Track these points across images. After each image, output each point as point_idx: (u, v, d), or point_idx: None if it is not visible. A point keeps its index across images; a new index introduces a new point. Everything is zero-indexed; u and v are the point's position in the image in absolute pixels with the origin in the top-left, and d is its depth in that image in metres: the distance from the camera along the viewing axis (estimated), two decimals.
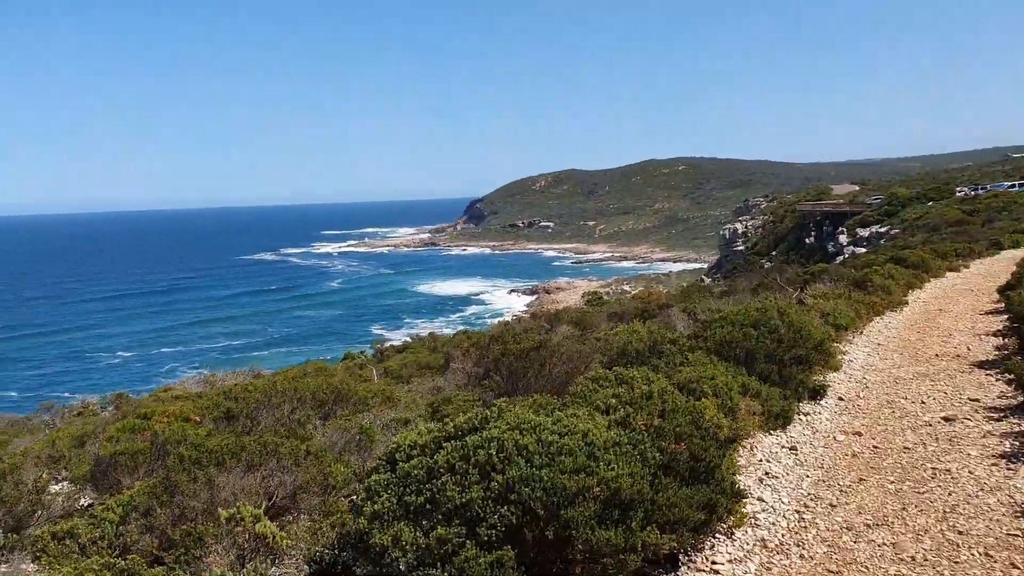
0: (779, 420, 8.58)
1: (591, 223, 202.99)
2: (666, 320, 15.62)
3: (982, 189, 68.46)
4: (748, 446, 7.97)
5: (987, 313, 17.08)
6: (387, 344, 29.40)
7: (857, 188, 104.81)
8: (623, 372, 7.29)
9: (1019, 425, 8.57)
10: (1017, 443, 7.91)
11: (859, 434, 8.66)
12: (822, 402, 10.00)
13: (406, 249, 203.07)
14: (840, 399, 10.40)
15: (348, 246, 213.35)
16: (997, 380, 10.95)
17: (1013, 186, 66.48)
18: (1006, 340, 12.80)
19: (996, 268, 26.65)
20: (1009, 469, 7.20)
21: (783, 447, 8.19)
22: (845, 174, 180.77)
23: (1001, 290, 17.92)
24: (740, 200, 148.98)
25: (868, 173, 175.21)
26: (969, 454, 7.73)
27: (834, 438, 8.56)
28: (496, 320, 76.75)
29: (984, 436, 8.30)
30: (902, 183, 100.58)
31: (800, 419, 9.16)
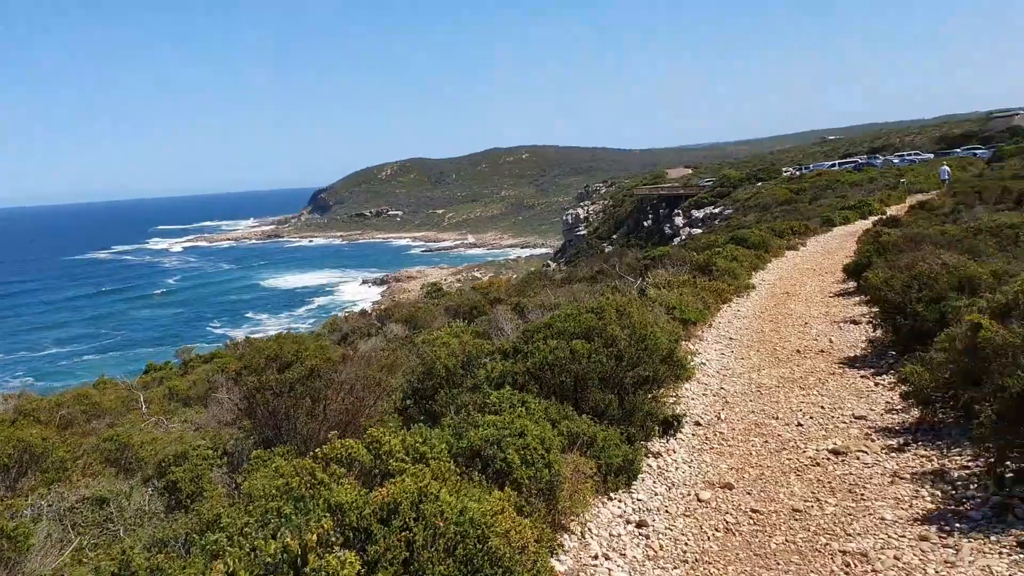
0: (621, 476, 5.97)
1: (440, 211, 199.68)
2: (493, 320, 12.95)
3: (806, 169, 70.38)
4: (578, 531, 5.27)
5: (837, 295, 15.42)
6: (194, 353, 25.53)
7: (690, 171, 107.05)
8: (378, 438, 4.40)
9: (929, 460, 6.32)
10: (939, 494, 5.62)
11: (729, 487, 6.17)
12: (677, 435, 7.48)
13: (249, 242, 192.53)
14: (698, 424, 7.96)
15: (186, 241, 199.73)
16: (876, 385, 8.88)
17: (833, 165, 68.72)
18: (875, 331, 10.85)
19: (831, 245, 25.72)
20: (946, 546, 4.83)
21: (627, 522, 5.56)
22: (679, 159, 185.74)
23: (847, 269, 16.43)
24: (582, 186, 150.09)
25: (700, 157, 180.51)
26: (883, 518, 5.35)
27: (697, 497, 6.02)
28: (343, 313, 72.92)
29: (892, 482, 5.99)
30: (732, 165, 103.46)
31: (650, 468, 6.60)
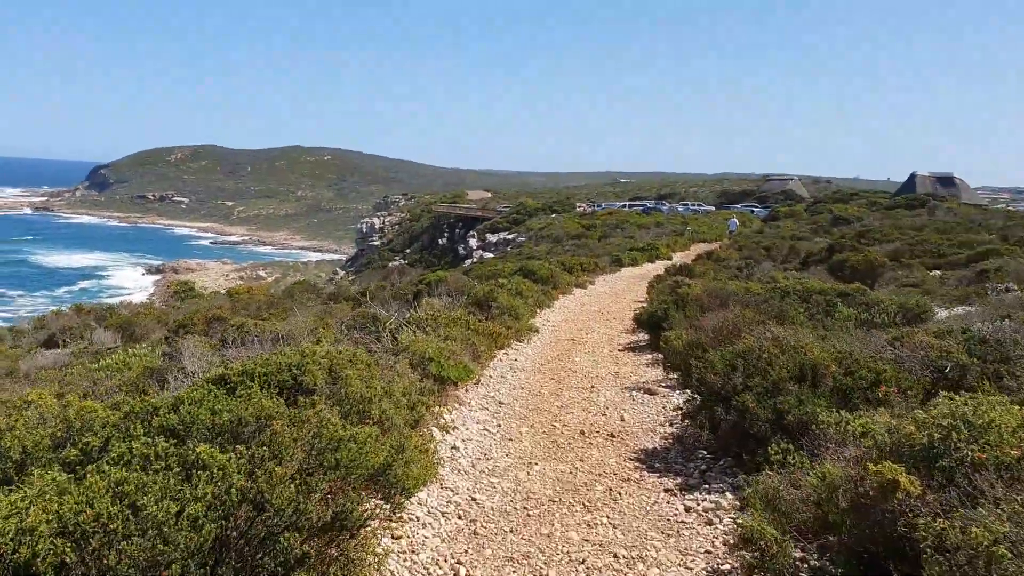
0: None
1: (230, 203, 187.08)
2: (181, 350, 9.07)
3: (599, 206, 70.78)
4: None
5: (626, 348, 12.96)
6: None
7: (490, 195, 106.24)
8: None
9: None
10: None
11: None
12: None
13: (13, 213, 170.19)
14: None
15: None
16: (688, 510, 6.05)
17: (624, 205, 69.57)
18: (682, 419, 8.16)
19: (619, 286, 23.91)
20: None
21: None
22: (481, 181, 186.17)
23: (638, 319, 14.13)
24: (382, 196, 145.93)
25: (501, 183, 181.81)
26: None
27: None
28: (115, 299, 64.87)
29: None
30: (530, 194, 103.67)
31: None
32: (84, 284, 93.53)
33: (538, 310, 16.32)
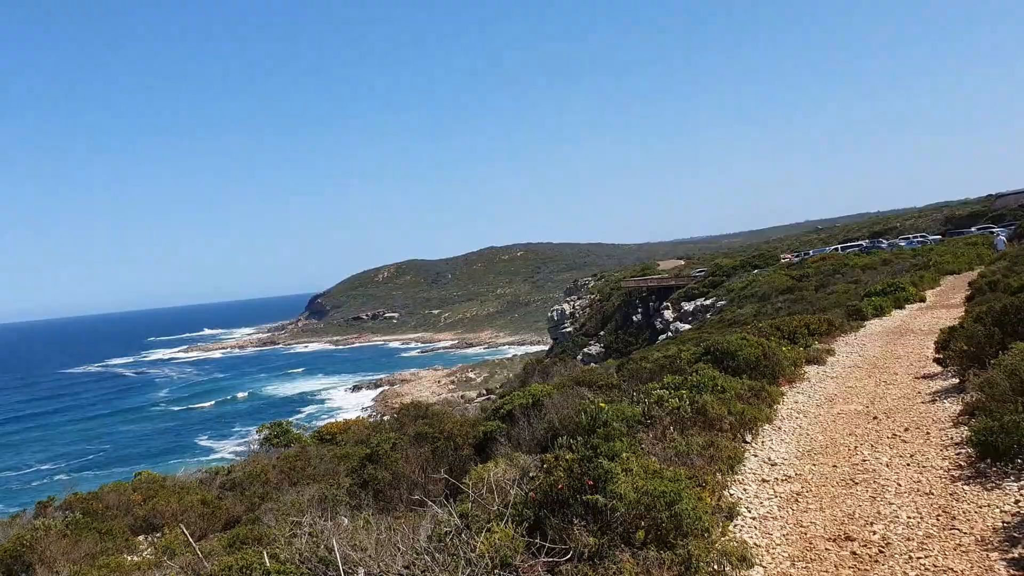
0: None
1: (436, 311, 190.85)
2: None
3: (806, 254, 61.31)
4: None
5: (975, 510, 5.85)
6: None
7: (683, 262, 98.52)
8: None
9: None
10: None
11: None
12: None
13: (243, 351, 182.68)
14: None
15: (181, 351, 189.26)
16: None
17: (836, 248, 59.75)
18: None
19: (873, 351, 16.06)
20: None
21: None
22: (673, 252, 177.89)
23: (978, 440, 6.88)
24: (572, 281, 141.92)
25: (694, 250, 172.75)
26: None
27: None
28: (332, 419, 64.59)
29: None
30: (725, 255, 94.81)
31: None
32: (309, 409, 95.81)
33: (746, 436, 8.93)
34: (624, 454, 5.12)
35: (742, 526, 6.23)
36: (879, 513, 6.17)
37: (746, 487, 7.28)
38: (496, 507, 4.90)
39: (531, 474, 6.26)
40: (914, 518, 5.97)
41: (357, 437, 18.75)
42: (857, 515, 6.21)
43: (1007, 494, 6.03)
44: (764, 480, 7.48)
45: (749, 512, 6.53)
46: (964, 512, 5.89)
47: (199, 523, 12.32)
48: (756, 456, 8.39)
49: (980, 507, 5.93)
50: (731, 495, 6.96)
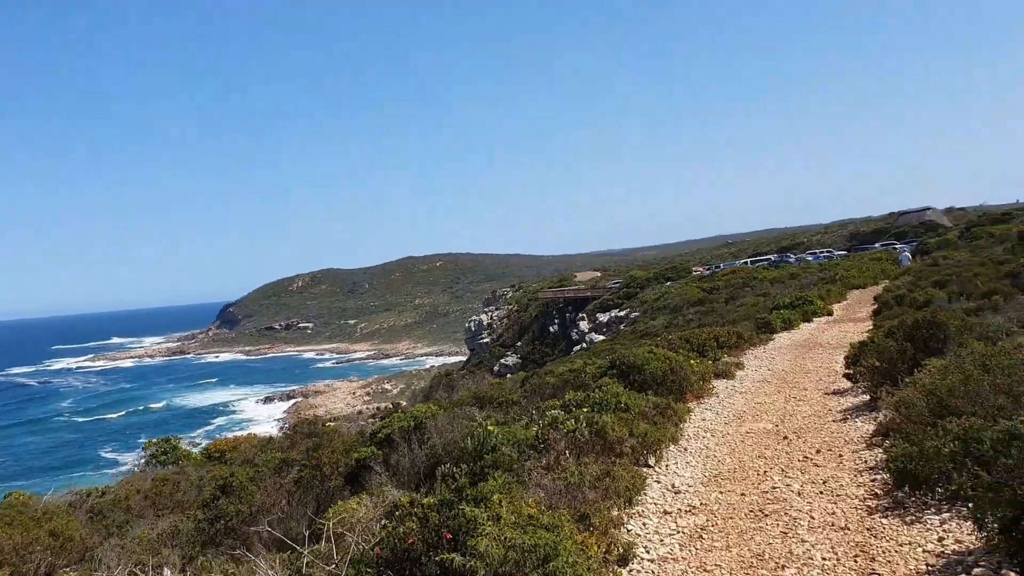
0: None
1: (352, 321, 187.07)
2: None
3: (717, 267, 62.19)
4: None
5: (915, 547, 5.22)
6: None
7: (599, 274, 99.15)
8: None
9: None
10: None
11: None
12: None
13: (152, 360, 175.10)
14: None
15: (87, 360, 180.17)
16: None
17: (746, 262, 60.79)
18: None
19: (782, 364, 15.74)
20: None
21: None
22: (591, 263, 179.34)
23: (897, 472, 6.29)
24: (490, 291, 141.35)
25: (609, 261, 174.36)
26: None
27: None
28: (243, 432, 61.96)
29: None
30: (640, 267, 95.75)
31: None
32: (219, 421, 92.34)
33: (648, 460, 8.07)
34: (496, 495, 4.21)
35: (638, 571, 5.38)
36: (791, 553, 5.42)
37: (646, 521, 6.45)
38: (334, 564, 3.89)
39: (397, 512, 5.28)
40: (829, 559, 5.24)
41: (245, 456, 17.37)
42: (767, 555, 5.44)
43: (929, 530, 5.37)
44: (666, 512, 6.67)
45: (647, 553, 5.69)
46: (884, 552, 5.19)
47: (45, 557, 10.83)
48: (659, 482, 7.60)
49: (901, 545, 5.23)
50: (628, 531, 6.12)
